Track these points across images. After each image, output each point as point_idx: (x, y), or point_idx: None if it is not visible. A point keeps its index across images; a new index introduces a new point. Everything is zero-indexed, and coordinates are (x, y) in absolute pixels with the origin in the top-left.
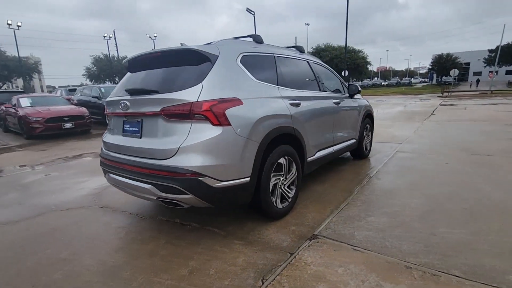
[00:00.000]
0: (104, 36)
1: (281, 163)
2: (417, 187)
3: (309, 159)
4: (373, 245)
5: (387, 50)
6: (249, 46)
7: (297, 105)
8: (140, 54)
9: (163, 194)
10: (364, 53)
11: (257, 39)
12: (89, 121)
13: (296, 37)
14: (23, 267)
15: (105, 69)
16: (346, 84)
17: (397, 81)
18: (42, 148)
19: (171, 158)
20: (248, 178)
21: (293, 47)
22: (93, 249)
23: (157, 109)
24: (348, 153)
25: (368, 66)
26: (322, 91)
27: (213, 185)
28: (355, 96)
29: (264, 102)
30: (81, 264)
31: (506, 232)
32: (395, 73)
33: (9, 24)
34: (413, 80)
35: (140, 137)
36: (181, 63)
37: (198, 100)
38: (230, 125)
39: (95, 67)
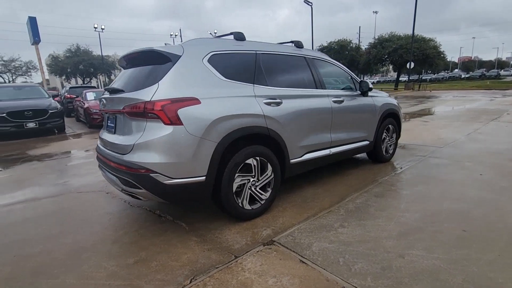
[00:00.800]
0: (171, 35)
1: (250, 164)
2: (423, 200)
3: (293, 161)
4: (323, 260)
5: (473, 38)
6: (225, 44)
7: (277, 104)
8: (125, 54)
9: (124, 187)
10: (436, 42)
11: (238, 37)
12: None
13: (360, 27)
14: (13, 241)
15: None
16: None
17: (482, 73)
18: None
19: (129, 153)
20: (204, 177)
21: (291, 42)
22: (78, 230)
23: (121, 107)
24: (366, 155)
25: (443, 56)
26: (320, 88)
27: (164, 182)
28: (371, 94)
29: (229, 102)
30: (59, 242)
31: (495, 266)
32: (481, 64)
33: (95, 27)
34: (502, 72)
35: (114, 133)
36: (149, 63)
37: (151, 99)
38: (182, 125)
39: None
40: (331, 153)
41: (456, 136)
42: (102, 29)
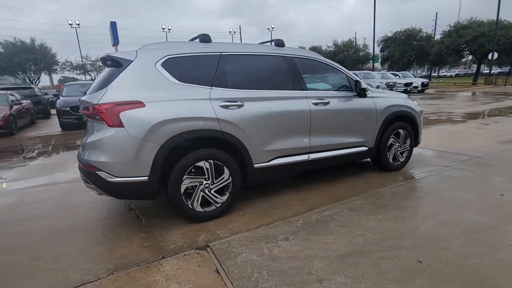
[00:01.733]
0: (230, 32)
1: (201, 167)
2: (400, 219)
3: (258, 165)
4: (238, 273)
5: None
6: (186, 47)
7: (238, 106)
8: (100, 57)
9: (84, 182)
10: None
11: (203, 39)
12: None
13: (437, 13)
14: (10, 219)
15: None
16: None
17: None
18: None
19: (84, 152)
20: (146, 178)
21: (272, 41)
22: (61, 216)
23: (81, 109)
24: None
25: None
26: (299, 89)
27: (108, 179)
28: (373, 95)
29: (178, 105)
30: (43, 224)
31: None
32: None
33: (163, 28)
34: None
35: (86, 133)
36: (110, 67)
37: (98, 102)
38: (123, 127)
39: None
40: (310, 159)
41: (490, 144)
42: (169, 29)
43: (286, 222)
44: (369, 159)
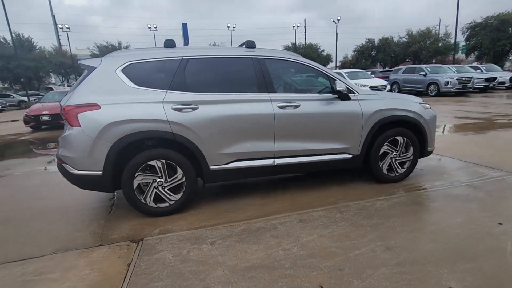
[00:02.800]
0: (293, 26)
1: (154, 165)
2: (348, 238)
3: (214, 167)
4: (145, 269)
5: None
6: (148, 53)
7: (193, 109)
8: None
9: None
10: None
11: (167, 44)
12: None
13: None
14: (18, 199)
15: None
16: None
17: None
18: None
19: (58, 147)
20: (100, 172)
21: (243, 43)
22: (60, 197)
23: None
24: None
25: None
26: (265, 92)
27: (71, 172)
28: (360, 97)
29: (131, 107)
30: (41, 204)
31: None
32: None
33: (228, 27)
34: None
35: None
36: (83, 72)
37: (64, 105)
38: (80, 127)
39: None
40: (275, 164)
41: None
42: (234, 27)
43: (229, 226)
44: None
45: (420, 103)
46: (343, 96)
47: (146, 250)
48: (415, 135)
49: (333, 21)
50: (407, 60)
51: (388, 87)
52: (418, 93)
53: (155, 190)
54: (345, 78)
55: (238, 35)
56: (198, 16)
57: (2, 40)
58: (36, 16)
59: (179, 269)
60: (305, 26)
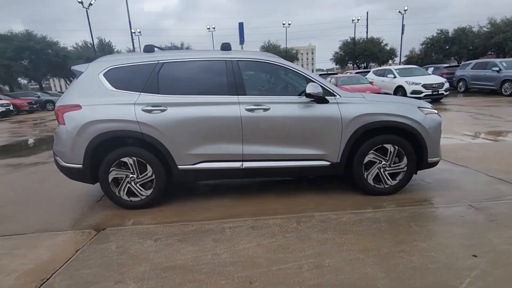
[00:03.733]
0: (353, 20)
1: (126, 162)
2: (284, 250)
3: (182, 167)
4: (85, 256)
5: None
6: (128, 58)
7: (162, 111)
8: None
9: None
10: None
11: (146, 49)
12: None
13: None
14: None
15: (349, 52)
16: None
17: None
18: None
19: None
20: (81, 166)
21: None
22: (64, 185)
23: None
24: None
25: None
26: (235, 94)
27: (60, 163)
28: (342, 100)
29: (106, 108)
30: (30, 191)
31: None
32: None
33: (283, 24)
34: None
35: None
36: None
37: (56, 105)
38: (65, 124)
39: (342, 51)
40: (243, 167)
41: None
42: (289, 24)
43: (183, 225)
44: None
45: (420, 107)
46: (319, 99)
47: (100, 239)
48: (410, 143)
49: (399, 12)
50: (490, 53)
51: (447, 85)
52: (491, 92)
53: (128, 185)
54: (394, 75)
55: (294, 31)
56: (261, 15)
57: (89, 44)
58: (120, 23)
59: (111, 261)
60: (367, 19)
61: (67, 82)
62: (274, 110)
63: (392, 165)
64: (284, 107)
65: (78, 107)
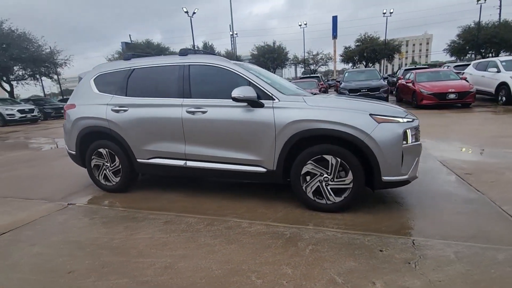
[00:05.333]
0: (478, 0)
1: (101, 152)
2: (157, 247)
3: (140, 161)
4: (40, 226)
5: None
6: (113, 65)
7: (125, 111)
8: None
9: None
10: None
11: (125, 57)
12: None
13: None
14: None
15: (471, 40)
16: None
17: None
18: None
19: None
20: (75, 152)
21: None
22: (59, 172)
23: None
24: None
25: None
26: (182, 97)
27: (67, 150)
28: (281, 104)
29: (89, 108)
30: (38, 172)
31: None
32: None
33: (383, 13)
34: None
35: None
36: None
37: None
38: (65, 119)
39: (461, 39)
40: (186, 165)
41: None
42: (391, 13)
43: (124, 210)
44: None
45: (373, 114)
46: (253, 103)
47: (61, 211)
48: (357, 157)
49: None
50: None
51: None
52: None
53: (104, 171)
54: (498, 69)
55: (407, 19)
56: (368, 5)
57: (192, 48)
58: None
59: (47, 228)
60: (480, 10)
61: None
62: (211, 113)
63: (335, 180)
64: (219, 110)
65: (73, 106)
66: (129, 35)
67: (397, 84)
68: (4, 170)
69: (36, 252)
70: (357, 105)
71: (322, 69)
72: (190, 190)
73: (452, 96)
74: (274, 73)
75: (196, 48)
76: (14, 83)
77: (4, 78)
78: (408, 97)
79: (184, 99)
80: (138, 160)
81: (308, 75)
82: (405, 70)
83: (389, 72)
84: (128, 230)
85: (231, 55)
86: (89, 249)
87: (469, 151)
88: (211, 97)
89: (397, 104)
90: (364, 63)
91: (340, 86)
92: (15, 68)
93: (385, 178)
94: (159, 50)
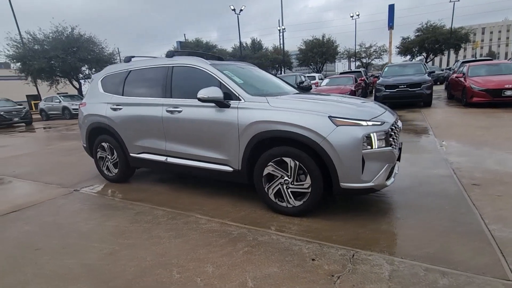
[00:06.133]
0: None
1: (104, 146)
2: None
3: (132, 155)
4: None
5: None
6: (116, 67)
7: (120, 109)
8: None
9: None
10: None
11: (126, 60)
12: None
13: None
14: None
15: None
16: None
17: None
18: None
19: None
20: (85, 144)
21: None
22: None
23: None
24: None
25: None
26: (165, 97)
27: (82, 144)
28: (246, 105)
29: (94, 106)
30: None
31: None
32: None
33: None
34: None
35: None
36: None
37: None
38: (79, 115)
39: None
40: (167, 161)
41: None
42: None
43: (113, 199)
44: None
45: (333, 117)
46: (219, 103)
47: (65, 196)
48: (316, 160)
49: None
50: None
51: None
52: None
53: (107, 163)
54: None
55: (471, 5)
56: None
57: (244, 44)
58: (285, 21)
59: (46, 212)
60: None
61: None
62: (185, 112)
63: (295, 183)
64: (193, 110)
65: (85, 104)
66: (184, 35)
67: (449, 79)
68: (49, 158)
69: (24, 230)
70: (319, 107)
71: (378, 62)
72: (177, 184)
73: (509, 93)
74: (322, 67)
75: (244, 45)
76: (82, 81)
77: (74, 77)
78: (458, 94)
79: (166, 99)
80: (130, 154)
81: (350, 70)
82: (462, 62)
83: (451, 65)
84: (103, 217)
85: (278, 51)
86: (63, 231)
87: (496, 158)
88: (188, 97)
89: (447, 101)
90: (425, 54)
91: (377, 81)
92: (83, 68)
93: (343, 184)
94: (207, 48)
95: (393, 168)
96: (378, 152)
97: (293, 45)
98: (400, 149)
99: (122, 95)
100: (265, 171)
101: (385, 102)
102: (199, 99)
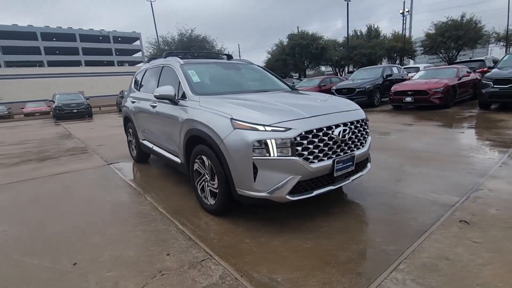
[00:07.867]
0: None
1: (130, 131)
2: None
3: (141, 141)
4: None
5: None
6: (142, 67)
7: (135, 102)
8: None
9: None
10: None
11: (147, 60)
12: None
13: None
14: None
15: None
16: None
17: None
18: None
19: None
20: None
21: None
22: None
23: None
24: None
25: None
26: (152, 93)
27: None
28: (189, 104)
29: (126, 99)
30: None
31: None
32: None
33: None
34: None
35: None
36: None
37: None
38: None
39: None
40: (152, 148)
41: None
42: None
43: (128, 179)
44: None
45: (234, 119)
46: (170, 101)
47: (100, 167)
48: (219, 161)
49: None
50: None
51: None
52: None
53: (132, 146)
54: None
55: None
56: None
57: (358, 33)
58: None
59: (76, 178)
60: None
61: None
62: (158, 107)
63: (211, 182)
64: (162, 106)
65: (125, 99)
66: (297, 27)
67: None
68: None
69: (44, 189)
70: (230, 109)
71: None
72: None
73: None
74: (458, 55)
75: (358, 34)
76: None
77: None
78: None
79: (151, 94)
80: (140, 140)
81: (469, 59)
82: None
83: None
84: (105, 192)
85: (398, 38)
86: (67, 194)
87: None
88: None
89: None
90: None
91: (486, 75)
92: None
93: (239, 190)
94: (312, 39)
95: (315, 182)
96: (275, 160)
97: (419, 30)
98: (357, 164)
99: (139, 91)
100: (194, 167)
101: (490, 102)
102: (154, 96)
